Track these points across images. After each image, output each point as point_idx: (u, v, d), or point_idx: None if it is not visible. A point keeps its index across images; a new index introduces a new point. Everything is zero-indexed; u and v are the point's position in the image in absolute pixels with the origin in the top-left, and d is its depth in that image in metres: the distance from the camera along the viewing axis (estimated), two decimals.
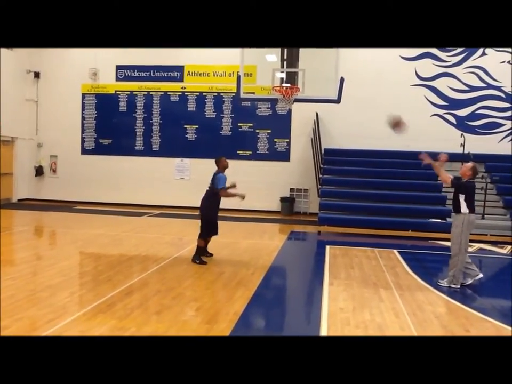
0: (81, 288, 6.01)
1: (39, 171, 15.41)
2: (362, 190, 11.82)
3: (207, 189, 7.42)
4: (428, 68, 13.55)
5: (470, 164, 6.59)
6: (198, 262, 7.17)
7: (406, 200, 11.31)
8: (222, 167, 7.44)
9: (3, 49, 14.15)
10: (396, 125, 6.86)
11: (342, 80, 8.59)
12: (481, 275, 6.43)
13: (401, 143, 13.03)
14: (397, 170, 12.19)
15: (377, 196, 11.60)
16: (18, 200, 15.14)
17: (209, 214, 7.32)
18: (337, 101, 8.83)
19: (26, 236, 10.09)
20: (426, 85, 13.62)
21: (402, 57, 13.52)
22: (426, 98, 13.60)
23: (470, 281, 6.41)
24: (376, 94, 13.47)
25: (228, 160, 7.62)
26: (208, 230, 7.33)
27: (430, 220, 10.72)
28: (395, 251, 8.74)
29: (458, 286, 6.26)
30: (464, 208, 6.23)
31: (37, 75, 15.25)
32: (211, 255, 7.64)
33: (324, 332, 4.52)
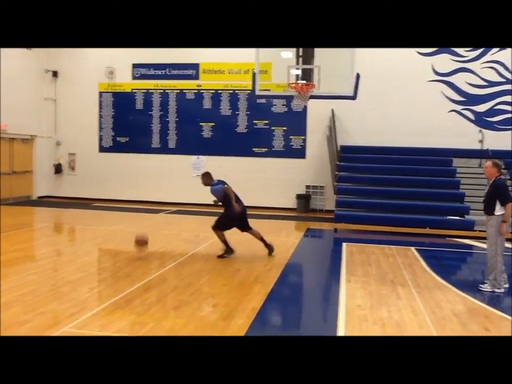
0: (101, 284, 6.11)
1: (58, 169, 15.64)
2: (379, 187, 11.74)
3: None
4: (445, 63, 13.37)
5: (489, 162, 6.13)
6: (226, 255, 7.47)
7: (424, 197, 11.20)
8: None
9: (22, 50, 14.39)
10: (139, 243, 7.39)
11: (358, 76, 8.54)
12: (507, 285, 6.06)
13: (419, 139, 12.93)
14: (414, 167, 12.08)
15: (394, 192, 11.50)
16: (38, 197, 15.39)
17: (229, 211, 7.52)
18: (353, 97, 8.78)
19: (47, 232, 10.27)
20: (443, 80, 13.45)
21: (419, 53, 13.36)
22: (444, 94, 13.43)
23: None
24: (393, 90, 13.35)
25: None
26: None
27: (448, 217, 10.60)
28: (412, 248, 8.67)
29: (502, 290, 5.90)
30: (498, 209, 5.86)
31: (55, 74, 15.46)
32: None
33: (341, 329, 4.52)
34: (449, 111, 13.42)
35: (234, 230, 7.65)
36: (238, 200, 7.54)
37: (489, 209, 5.98)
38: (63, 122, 15.68)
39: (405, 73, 13.32)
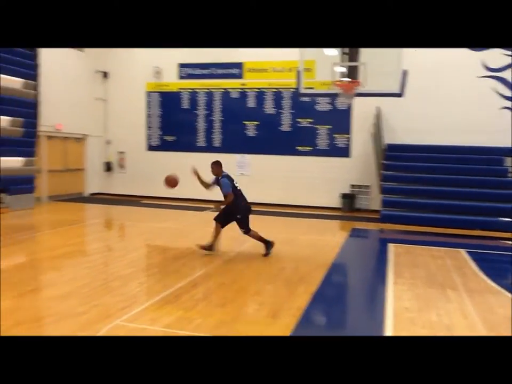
0: (150, 279, 6.30)
1: (108, 167, 16.20)
2: (426, 186, 11.45)
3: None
4: (497, 58, 12.83)
5: None
6: (267, 252, 7.39)
7: (474, 197, 10.85)
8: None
9: (75, 51, 14.99)
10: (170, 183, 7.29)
11: (405, 72, 8.38)
12: None
13: (468, 137, 12.50)
14: (463, 166, 11.70)
15: (442, 192, 11.20)
16: (90, 194, 16.00)
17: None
18: (400, 94, 8.63)
19: (98, 228, 10.67)
20: (494, 76, 12.93)
21: (468, 48, 12.91)
22: (495, 90, 12.92)
23: None
24: (441, 86, 12.94)
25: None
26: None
27: (500, 218, 10.22)
28: (462, 250, 8.41)
29: None
30: None
31: (105, 75, 16.00)
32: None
33: (388, 331, 4.47)
34: (501, 108, 12.89)
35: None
36: (242, 197, 7.45)
37: None
38: (112, 122, 16.21)
39: (453, 69, 12.88)
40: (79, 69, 15.15)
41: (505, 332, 4.54)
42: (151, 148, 15.85)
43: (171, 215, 12.13)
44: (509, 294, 5.80)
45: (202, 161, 15.02)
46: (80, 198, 15.13)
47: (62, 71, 14.21)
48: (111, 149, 16.30)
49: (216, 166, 7.53)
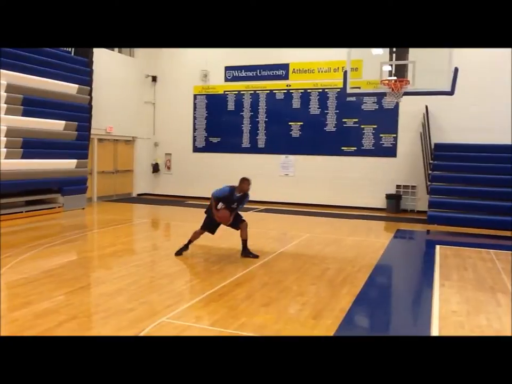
0: (195, 278, 6.45)
1: (155, 168, 16.67)
2: (476, 187, 11.04)
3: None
4: None
5: None
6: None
7: None
8: (239, 190, 7.25)
9: (125, 56, 15.51)
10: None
11: (456, 70, 8.14)
12: None
13: None
14: None
15: (492, 193, 10.75)
16: (138, 194, 16.50)
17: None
18: (451, 92, 8.39)
19: (145, 228, 11.00)
20: None
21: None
22: None
23: None
24: (492, 84, 12.45)
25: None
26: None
27: None
28: None
29: None
30: None
31: (154, 79, 16.46)
32: (256, 256, 7.39)
33: (435, 334, 4.38)
34: None
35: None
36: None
37: None
38: (160, 124, 16.66)
39: (505, 66, 12.35)
40: (129, 73, 15.67)
41: None
42: (197, 149, 16.17)
43: None
44: None
45: (247, 162, 15.36)
46: (128, 199, 15.64)
47: (113, 76, 14.76)
48: (158, 151, 16.75)
49: (249, 182, 7.31)
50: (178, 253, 7.38)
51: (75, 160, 12.46)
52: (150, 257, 7.72)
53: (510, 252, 8.23)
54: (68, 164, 12.28)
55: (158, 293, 5.48)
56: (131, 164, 16.29)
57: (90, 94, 13.07)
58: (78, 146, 12.68)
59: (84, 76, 12.90)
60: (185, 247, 7.46)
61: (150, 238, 9.69)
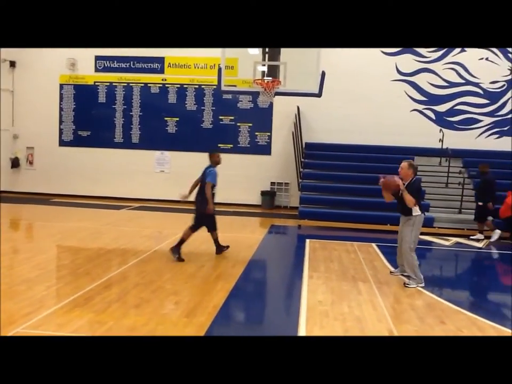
0: (59, 282, 5.92)
1: (15, 163, 15.10)
2: (342, 184, 11.91)
3: (200, 183, 7.37)
4: (408, 63, 13.68)
5: (406, 163, 6.28)
6: (176, 256, 7.02)
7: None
8: (214, 163, 7.48)
9: None
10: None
11: (323, 74, 8.60)
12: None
13: (382, 137, 13.19)
14: (377, 164, 12.27)
15: (357, 190, 11.69)
16: None
17: (203, 208, 7.20)
18: (319, 94, 8.84)
19: (2, 229, 9.87)
20: (406, 80, 13.75)
21: (383, 52, 13.61)
22: (407, 94, 13.74)
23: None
24: (358, 88, 13.55)
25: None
26: (204, 224, 7.29)
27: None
28: (374, 245, 8.84)
29: (422, 284, 6.05)
30: (416, 210, 6.08)
31: (12, 64, 14.89)
32: (227, 247, 7.64)
33: (302, 325, 4.55)
34: (411, 110, 13.74)
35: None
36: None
37: (405, 211, 6.16)
38: (21, 115, 15.13)
39: (369, 72, 13.54)
40: None
41: (409, 320, 4.79)
42: (64, 143, 15.01)
43: (84, 214, 11.55)
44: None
45: (119, 157, 14.67)
46: None
47: None
48: (18, 144, 15.21)
49: (215, 157, 7.51)
50: (180, 259, 6.95)
51: None
52: (6, 261, 6.91)
53: (371, 243, 8.97)
54: None
55: (15, 301, 4.92)
56: None
57: None
58: None
59: None
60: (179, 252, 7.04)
61: (7, 241, 8.69)
